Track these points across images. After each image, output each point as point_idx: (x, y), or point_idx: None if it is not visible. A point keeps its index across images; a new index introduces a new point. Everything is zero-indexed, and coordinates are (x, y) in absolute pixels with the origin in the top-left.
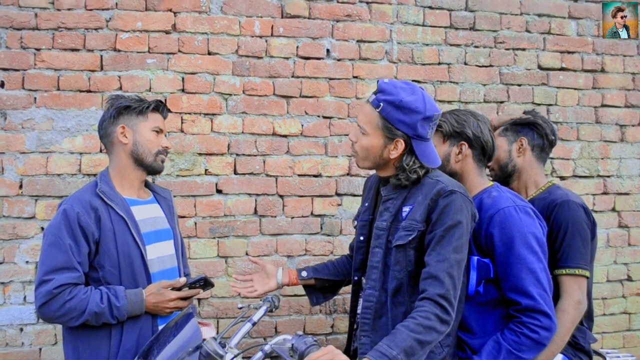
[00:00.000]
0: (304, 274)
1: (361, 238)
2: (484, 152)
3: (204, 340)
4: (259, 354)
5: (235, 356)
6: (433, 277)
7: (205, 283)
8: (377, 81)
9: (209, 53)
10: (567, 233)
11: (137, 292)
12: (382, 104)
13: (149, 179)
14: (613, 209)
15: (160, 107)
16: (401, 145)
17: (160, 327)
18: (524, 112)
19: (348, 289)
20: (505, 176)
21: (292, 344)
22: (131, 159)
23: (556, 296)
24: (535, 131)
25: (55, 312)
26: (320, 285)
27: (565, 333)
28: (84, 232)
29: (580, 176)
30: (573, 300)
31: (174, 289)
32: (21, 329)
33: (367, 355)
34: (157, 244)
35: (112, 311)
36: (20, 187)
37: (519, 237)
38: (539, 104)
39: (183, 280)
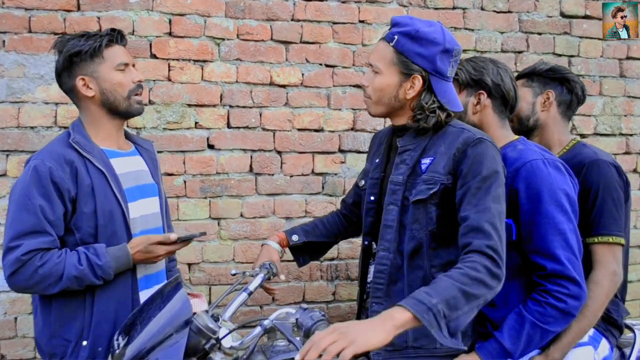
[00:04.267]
0: (295, 237)
1: (371, 198)
2: (505, 103)
3: (195, 314)
4: (258, 330)
5: (229, 332)
6: (476, 229)
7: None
8: (391, 18)
9: None
10: (597, 196)
11: (119, 247)
12: (396, 37)
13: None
14: (635, 170)
15: (114, 37)
16: (418, 82)
17: (141, 294)
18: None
19: (354, 254)
20: (523, 131)
21: (297, 319)
22: (104, 110)
23: (588, 267)
24: (565, 86)
25: (27, 281)
26: (309, 247)
27: (599, 308)
28: (59, 190)
29: (602, 134)
30: (607, 272)
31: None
32: None
33: (401, 303)
34: (141, 200)
35: (95, 271)
36: None
37: (547, 194)
38: (560, 55)
39: (174, 237)
